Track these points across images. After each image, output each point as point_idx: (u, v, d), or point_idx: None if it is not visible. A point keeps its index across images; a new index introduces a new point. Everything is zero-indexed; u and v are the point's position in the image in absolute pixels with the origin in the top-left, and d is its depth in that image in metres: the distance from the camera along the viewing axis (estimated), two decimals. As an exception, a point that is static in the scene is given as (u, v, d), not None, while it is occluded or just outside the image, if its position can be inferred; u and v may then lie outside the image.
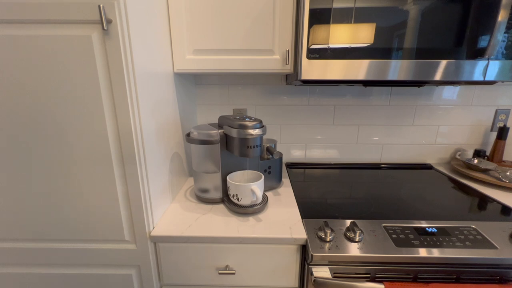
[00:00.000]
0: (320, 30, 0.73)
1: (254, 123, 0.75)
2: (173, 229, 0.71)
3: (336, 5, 0.71)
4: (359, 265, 0.63)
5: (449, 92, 1.15)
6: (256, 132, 0.74)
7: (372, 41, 0.73)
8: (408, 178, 1.06)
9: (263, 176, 0.79)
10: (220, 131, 0.80)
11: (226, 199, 0.84)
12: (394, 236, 0.66)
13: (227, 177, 0.80)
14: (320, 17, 0.72)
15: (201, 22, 0.82)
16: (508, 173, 0.99)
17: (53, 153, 0.62)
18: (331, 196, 0.91)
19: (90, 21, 0.54)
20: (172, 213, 0.79)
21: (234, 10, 0.81)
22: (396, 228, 0.69)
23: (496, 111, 1.17)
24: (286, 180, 1.04)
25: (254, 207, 0.78)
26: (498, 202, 0.85)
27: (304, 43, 0.74)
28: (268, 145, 0.93)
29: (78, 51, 0.55)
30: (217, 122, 0.90)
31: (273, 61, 0.85)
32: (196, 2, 0.80)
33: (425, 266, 0.62)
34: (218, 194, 0.85)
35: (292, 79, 0.91)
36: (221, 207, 0.83)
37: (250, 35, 0.83)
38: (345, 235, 0.67)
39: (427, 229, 0.69)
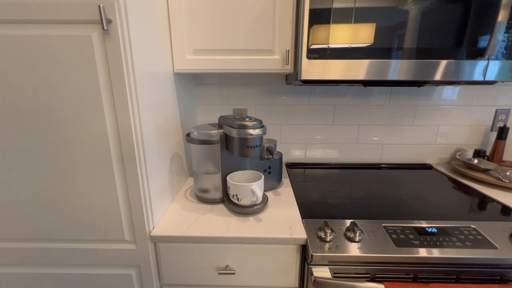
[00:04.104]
0: (320, 30, 0.73)
1: (254, 123, 0.75)
2: (173, 229, 0.71)
3: (336, 5, 0.71)
4: (359, 265, 0.63)
5: (449, 92, 1.15)
6: (256, 132, 0.74)
7: (372, 41, 0.73)
8: (408, 178, 1.06)
9: (263, 176, 0.79)
10: (220, 131, 0.80)
11: (226, 199, 0.84)
12: (394, 236, 0.66)
13: (227, 177, 0.80)
14: (320, 17, 0.72)
15: (201, 22, 0.82)
16: (508, 173, 0.99)
17: (53, 153, 0.62)
18: (331, 196, 0.91)
19: (90, 21, 0.54)
20: (172, 213, 0.79)
21: (234, 10, 0.81)
22: (396, 228, 0.69)
23: (496, 111, 1.17)
24: (286, 180, 1.04)
25: (254, 207, 0.78)
26: (498, 202, 0.85)
27: (304, 43, 0.74)
28: (268, 145, 0.93)
29: (78, 51, 0.55)
30: (217, 122, 0.90)
31: (273, 61, 0.85)
32: (196, 2, 0.80)
33: (425, 266, 0.62)
34: (218, 194, 0.85)
35: (292, 79, 0.91)
36: (221, 207, 0.83)
37: (250, 35, 0.83)
38: (345, 235, 0.67)
39: (427, 229, 0.69)
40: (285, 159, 1.27)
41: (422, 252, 0.61)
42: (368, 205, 0.83)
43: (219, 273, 0.70)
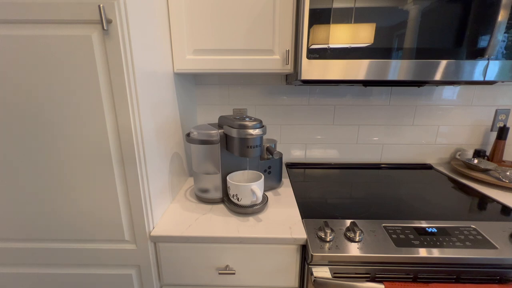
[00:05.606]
0: (320, 30, 0.73)
1: (254, 123, 0.75)
2: (173, 229, 0.71)
3: (336, 5, 0.71)
4: (359, 265, 0.63)
5: (449, 92, 1.15)
6: (256, 132, 0.74)
7: (372, 41, 0.73)
8: (408, 178, 1.06)
9: (263, 176, 0.79)
10: (220, 131, 0.80)
11: (226, 199, 0.84)
12: (394, 236, 0.66)
13: (227, 177, 0.80)
14: (320, 17, 0.72)
15: (201, 22, 0.82)
16: (508, 173, 0.99)
17: (53, 152, 0.62)
18: (331, 196, 0.91)
19: (90, 21, 0.54)
20: (172, 213, 0.79)
21: (234, 10, 0.81)
22: (396, 228, 0.69)
23: (496, 111, 1.17)
24: (286, 180, 1.04)
25: (254, 207, 0.78)
26: (498, 202, 0.85)
27: (304, 43, 0.74)
28: (268, 145, 0.93)
29: (78, 51, 0.55)
30: (217, 122, 0.90)
31: (273, 61, 0.85)
32: (196, 2, 0.80)
33: (425, 266, 0.62)
34: (218, 194, 0.85)
35: (292, 79, 0.91)
36: (221, 207, 0.83)
37: (250, 35, 0.83)
38: (345, 235, 0.67)
39: (427, 229, 0.69)
40: (285, 159, 1.27)
41: (422, 252, 0.61)
42: (368, 205, 0.83)
43: (219, 273, 0.70)
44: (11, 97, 0.58)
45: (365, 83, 1.05)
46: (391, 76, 0.76)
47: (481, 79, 0.76)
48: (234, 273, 0.71)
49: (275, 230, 0.70)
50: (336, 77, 0.77)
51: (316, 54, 0.75)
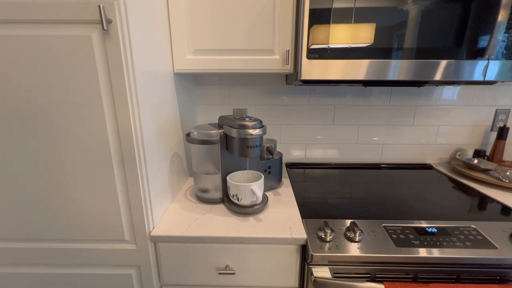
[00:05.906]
0: (320, 30, 0.73)
1: (254, 123, 0.75)
2: (173, 229, 0.71)
3: (336, 5, 0.71)
4: (359, 265, 0.63)
5: (449, 92, 1.15)
6: (256, 132, 0.74)
7: (372, 41, 0.73)
8: (408, 178, 1.06)
9: (263, 176, 0.79)
10: (220, 131, 0.80)
11: (226, 199, 0.84)
12: (394, 236, 0.66)
13: (227, 177, 0.80)
14: (320, 17, 0.72)
15: (201, 22, 0.82)
16: (508, 173, 0.99)
17: (53, 152, 0.62)
18: (331, 196, 0.91)
19: (90, 21, 0.54)
20: (172, 213, 0.79)
21: (234, 10, 0.81)
22: (396, 228, 0.69)
23: (496, 111, 1.17)
24: (286, 180, 1.04)
25: (254, 207, 0.78)
26: (498, 202, 0.85)
27: (304, 43, 0.74)
28: (268, 145, 0.93)
29: (78, 51, 0.55)
30: (217, 122, 0.90)
31: (273, 61, 0.85)
32: (196, 2, 0.80)
33: (425, 266, 0.62)
34: (218, 194, 0.85)
35: (292, 79, 0.91)
36: (221, 207, 0.83)
37: (250, 35, 0.83)
38: (345, 235, 0.67)
39: (427, 229, 0.69)
40: (285, 159, 1.27)
41: (422, 252, 0.61)
42: (368, 205, 0.83)
43: (219, 273, 0.70)
44: (11, 97, 0.58)
45: (365, 83, 1.05)
46: (391, 76, 0.76)
47: (481, 79, 0.76)
48: (234, 273, 0.71)
49: (275, 230, 0.70)
50: (336, 77, 0.77)
51: (316, 54, 0.75)
